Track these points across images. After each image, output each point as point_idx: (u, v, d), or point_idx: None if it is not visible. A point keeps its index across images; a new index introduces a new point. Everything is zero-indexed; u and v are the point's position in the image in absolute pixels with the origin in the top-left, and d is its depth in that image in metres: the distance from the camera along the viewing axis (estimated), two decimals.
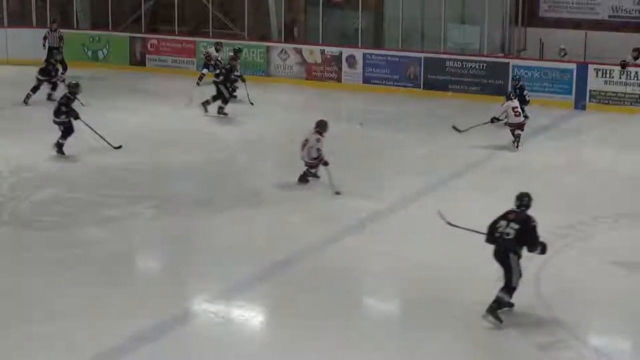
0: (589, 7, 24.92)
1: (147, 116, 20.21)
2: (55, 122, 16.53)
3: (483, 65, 23.41)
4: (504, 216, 9.88)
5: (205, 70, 24.33)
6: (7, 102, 21.67)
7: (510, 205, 13.79)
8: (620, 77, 22.18)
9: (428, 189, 14.55)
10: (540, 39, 24.54)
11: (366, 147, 17.95)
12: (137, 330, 9.33)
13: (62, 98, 16.76)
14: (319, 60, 24.99)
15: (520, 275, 9.77)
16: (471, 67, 23.53)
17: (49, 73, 21.27)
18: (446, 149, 17.69)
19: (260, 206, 14.00)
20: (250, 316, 10.06)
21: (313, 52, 25.02)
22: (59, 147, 16.47)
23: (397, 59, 24.43)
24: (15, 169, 15.65)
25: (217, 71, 20.97)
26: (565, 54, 23.24)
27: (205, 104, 20.32)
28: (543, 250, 9.91)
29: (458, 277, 10.93)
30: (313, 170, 14.87)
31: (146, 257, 12.39)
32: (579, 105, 22.33)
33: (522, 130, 17.81)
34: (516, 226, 9.72)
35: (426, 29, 25.76)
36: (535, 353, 9.13)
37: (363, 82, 24.58)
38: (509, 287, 9.71)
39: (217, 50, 24.40)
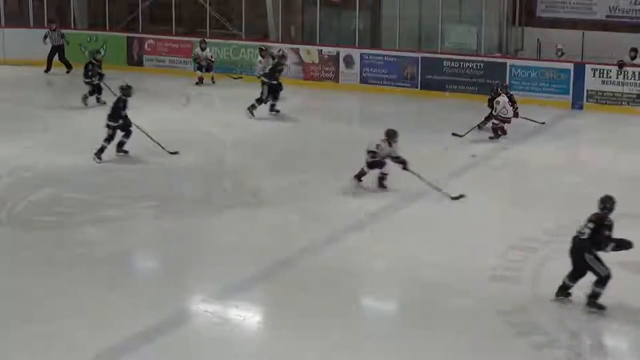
0: (586, 7, 24.94)
1: (145, 116, 20.15)
2: (108, 126, 16.35)
3: (480, 65, 23.42)
4: (588, 218, 10.07)
5: (198, 72, 24.40)
6: (4, 102, 21.68)
7: (508, 204, 13.99)
8: (617, 77, 22.22)
9: (427, 188, 14.55)
10: (538, 39, 24.55)
11: (364, 147, 17.95)
12: (136, 330, 9.36)
13: (117, 101, 16.53)
14: (316, 60, 25.00)
15: (604, 266, 9.90)
16: (468, 67, 23.53)
17: (87, 73, 21.23)
18: (443, 148, 17.72)
19: (259, 206, 14.03)
20: (249, 316, 10.08)
21: (310, 52, 25.04)
22: (100, 151, 16.34)
23: (395, 59, 24.44)
24: (13, 169, 15.67)
25: (267, 72, 20.99)
26: (563, 54, 23.27)
27: (272, 109, 20.64)
28: (617, 247, 10.01)
29: (458, 277, 10.97)
30: (382, 172, 14.71)
31: (145, 257, 12.42)
32: (576, 105, 22.36)
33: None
34: (592, 226, 9.93)
35: (423, 28, 25.78)
36: (532, 352, 9.16)
37: (360, 82, 24.58)
38: (602, 279, 9.90)
39: (202, 49, 24.49)
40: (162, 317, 9.73)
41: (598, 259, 9.91)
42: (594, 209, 13.50)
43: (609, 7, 24.71)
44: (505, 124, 18.43)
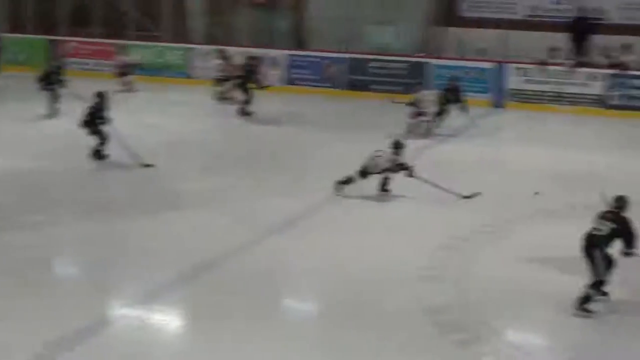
0: (508, 7, 25.29)
1: (68, 120, 19.92)
2: (88, 133, 16.24)
3: (404, 65, 23.65)
4: (602, 215, 10.07)
5: (123, 78, 24.14)
6: None
7: (432, 203, 14.09)
8: (538, 76, 22.60)
9: (351, 188, 14.61)
10: (460, 39, 24.83)
11: (291, 148, 18.01)
12: (56, 336, 9.18)
13: (90, 107, 16.32)
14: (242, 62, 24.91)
15: (608, 267, 9.92)
16: (392, 67, 23.75)
17: (45, 81, 20.81)
18: (370, 148, 17.80)
19: (183, 208, 13.90)
20: (171, 320, 9.99)
21: (235, 54, 24.90)
22: (96, 153, 16.31)
23: (320, 60, 24.53)
24: None
25: (242, 74, 21.12)
26: (486, 53, 23.61)
27: (246, 113, 20.73)
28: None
29: (381, 278, 11.00)
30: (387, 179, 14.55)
31: (68, 262, 12.21)
32: (499, 103, 22.69)
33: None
34: (610, 224, 9.92)
35: (349, 29, 25.87)
36: (455, 350, 9.23)
37: (287, 84, 24.60)
38: (596, 282, 9.93)
39: (124, 55, 24.28)
40: (83, 323, 9.56)
41: (604, 262, 9.90)
42: (515, 206, 13.79)
43: (530, 7, 25.08)
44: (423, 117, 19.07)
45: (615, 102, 22.43)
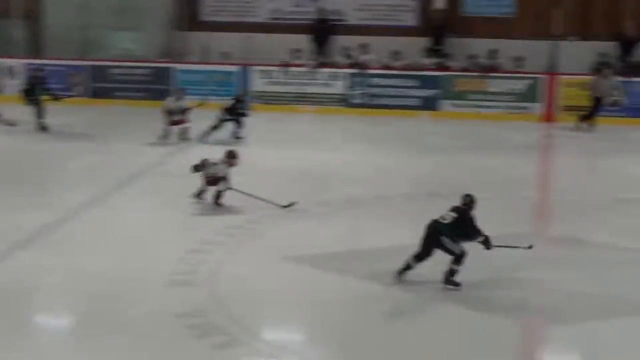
0: (249, 11, 25.60)
1: None
2: None
3: (147, 71, 23.49)
4: (451, 208, 10.54)
5: None
6: None
7: (181, 209, 14.01)
8: (281, 77, 23.04)
9: (98, 198, 14.33)
10: (203, 43, 24.90)
11: (37, 161, 17.41)
12: None
13: None
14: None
15: (459, 246, 10.36)
16: (136, 73, 23.54)
17: None
18: (116, 156, 17.59)
19: None
20: None
21: None
22: None
23: (62, 69, 23.93)
24: None
25: (28, 88, 20.23)
26: (227, 57, 23.77)
27: (43, 127, 19.93)
28: (486, 242, 10.45)
29: (134, 286, 10.78)
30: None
31: None
32: None
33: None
34: (455, 215, 10.38)
35: (90, 36, 25.40)
36: (210, 353, 9.16)
37: None
38: (457, 257, 10.35)
39: None
40: None
41: (453, 241, 10.37)
42: (264, 207, 13.91)
43: (272, 10, 25.49)
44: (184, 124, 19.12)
45: (357, 100, 23.18)
